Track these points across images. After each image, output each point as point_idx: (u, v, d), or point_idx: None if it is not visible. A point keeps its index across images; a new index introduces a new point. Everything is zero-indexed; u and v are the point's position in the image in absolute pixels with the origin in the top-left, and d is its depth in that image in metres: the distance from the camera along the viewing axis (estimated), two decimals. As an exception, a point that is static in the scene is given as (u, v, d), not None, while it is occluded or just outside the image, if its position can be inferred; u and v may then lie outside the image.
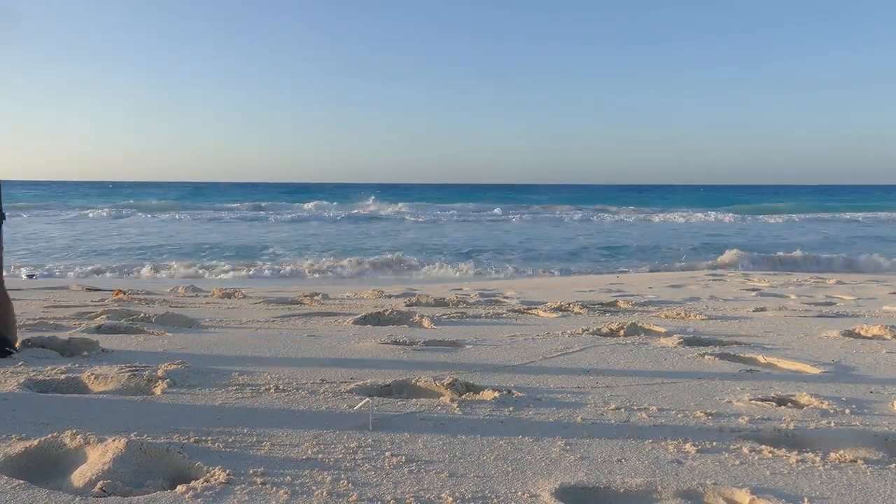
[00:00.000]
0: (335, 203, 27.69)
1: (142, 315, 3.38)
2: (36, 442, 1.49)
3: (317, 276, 8.53)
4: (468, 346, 2.81)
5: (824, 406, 1.97)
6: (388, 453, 1.54)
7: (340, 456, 1.52)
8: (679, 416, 1.87)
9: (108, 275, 8.34)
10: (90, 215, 20.53)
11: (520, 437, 1.68)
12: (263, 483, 1.35)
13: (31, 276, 7.39)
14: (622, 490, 1.37)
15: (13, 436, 1.57)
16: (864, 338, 3.14)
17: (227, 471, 1.39)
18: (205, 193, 38.48)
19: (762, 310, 4.12)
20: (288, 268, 8.91)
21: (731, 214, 23.51)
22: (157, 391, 2.01)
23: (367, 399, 1.88)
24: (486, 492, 1.34)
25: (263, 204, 27.57)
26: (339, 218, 20.56)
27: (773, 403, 2.02)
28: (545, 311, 3.94)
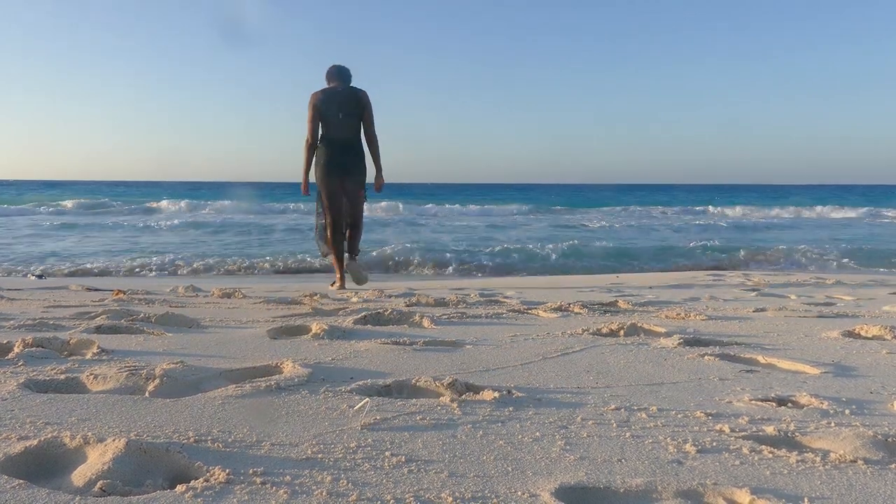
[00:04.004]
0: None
1: (142, 315, 3.38)
2: (36, 442, 1.49)
3: (317, 275, 8.53)
4: (468, 346, 2.81)
5: (824, 406, 1.97)
6: (387, 453, 1.54)
7: (340, 456, 1.52)
8: (679, 416, 1.87)
9: (96, 272, 8.33)
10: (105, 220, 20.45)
11: (519, 436, 1.68)
12: (263, 483, 1.35)
13: (39, 277, 7.39)
14: (622, 490, 1.37)
15: (13, 435, 1.57)
16: (864, 338, 3.14)
17: (227, 470, 1.39)
18: (205, 194, 38.47)
19: (762, 310, 4.12)
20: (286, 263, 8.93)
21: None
22: (156, 390, 2.01)
23: (367, 399, 1.88)
24: (486, 491, 1.34)
25: (277, 205, 26.56)
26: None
27: (774, 403, 2.02)
28: (545, 311, 3.94)
